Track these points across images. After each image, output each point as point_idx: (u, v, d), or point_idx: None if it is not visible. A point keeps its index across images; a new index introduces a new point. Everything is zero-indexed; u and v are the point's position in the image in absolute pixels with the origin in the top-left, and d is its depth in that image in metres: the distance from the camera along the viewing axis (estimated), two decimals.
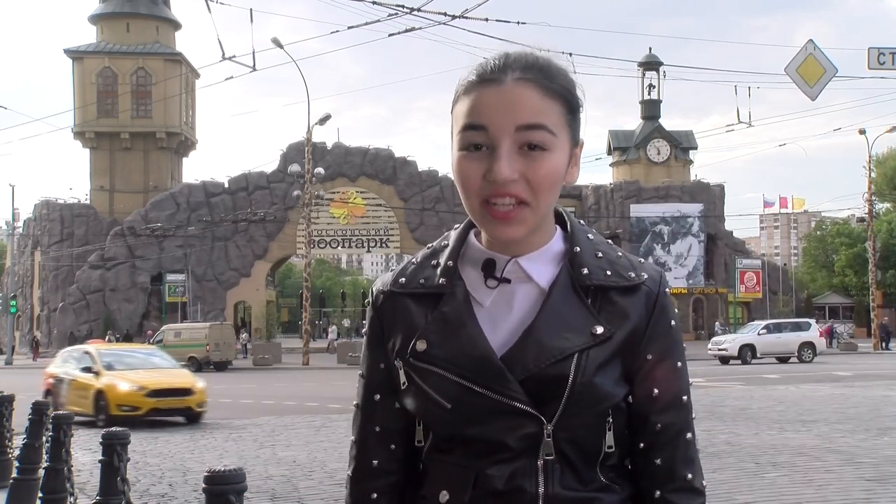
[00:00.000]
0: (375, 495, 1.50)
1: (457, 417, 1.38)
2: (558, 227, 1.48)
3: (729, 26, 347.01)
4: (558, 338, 1.36)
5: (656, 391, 1.43)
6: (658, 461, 1.44)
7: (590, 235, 1.47)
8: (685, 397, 1.46)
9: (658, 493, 1.44)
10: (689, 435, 1.45)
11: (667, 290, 1.46)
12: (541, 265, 1.43)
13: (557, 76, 1.39)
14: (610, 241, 1.51)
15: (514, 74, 1.36)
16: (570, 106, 1.40)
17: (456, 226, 1.52)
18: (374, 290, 1.52)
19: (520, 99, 1.35)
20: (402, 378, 1.44)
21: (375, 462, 1.50)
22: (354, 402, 1.55)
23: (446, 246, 1.49)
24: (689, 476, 1.44)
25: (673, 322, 1.45)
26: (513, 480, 1.37)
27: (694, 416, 1.49)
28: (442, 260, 1.47)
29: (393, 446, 1.50)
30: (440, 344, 1.39)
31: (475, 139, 1.36)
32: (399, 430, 1.49)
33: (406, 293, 1.46)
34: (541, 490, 1.37)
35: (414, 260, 1.51)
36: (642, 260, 1.49)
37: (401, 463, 1.51)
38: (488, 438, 1.38)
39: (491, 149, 1.35)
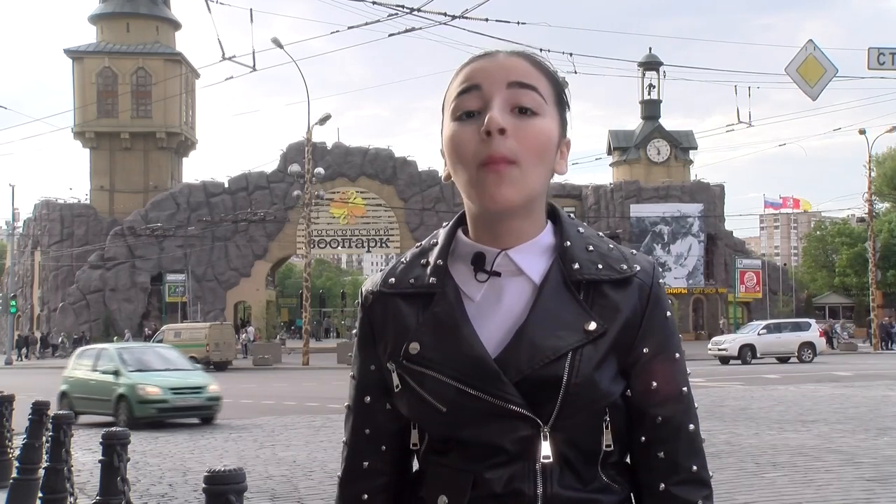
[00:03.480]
0: (366, 496, 1.49)
1: (451, 420, 1.36)
2: (549, 221, 1.46)
3: (733, 25, 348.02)
4: (551, 337, 1.34)
5: (655, 384, 1.41)
6: (661, 454, 1.41)
7: (580, 229, 1.46)
8: (685, 389, 1.43)
9: (662, 485, 1.41)
10: (691, 426, 1.43)
11: (660, 281, 1.44)
12: (531, 258, 1.41)
13: (545, 62, 1.44)
14: (601, 234, 1.49)
15: (505, 52, 1.43)
16: (558, 90, 1.43)
17: (445, 223, 1.50)
18: (363, 290, 1.50)
19: (512, 63, 1.40)
20: (396, 381, 1.42)
21: (366, 464, 1.49)
22: (346, 404, 1.54)
23: (436, 244, 1.47)
24: (695, 468, 1.42)
25: (668, 313, 1.43)
26: (511, 483, 1.36)
27: (696, 406, 1.47)
28: (432, 258, 1.45)
29: (384, 448, 1.49)
30: (433, 346, 1.37)
31: (468, 103, 1.38)
32: (390, 432, 1.48)
33: (396, 293, 1.44)
34: (539, 492, 1.36)
35: (403, 259, 1.49)
36: (634, 251, 1.47)
37: (392, 464, 1.49)
38: (484, 441, 1.36)
39: (484, 110, 1.36)
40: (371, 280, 1.51)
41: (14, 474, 8.10)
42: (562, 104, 1.43)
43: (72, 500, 6.27)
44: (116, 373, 16.16)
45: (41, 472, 7.44)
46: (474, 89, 1.37)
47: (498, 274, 1.40)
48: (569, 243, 1.42)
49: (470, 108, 1.37)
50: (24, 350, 51.73)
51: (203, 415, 16.15)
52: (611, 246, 1.45)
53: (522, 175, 1.35)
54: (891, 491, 8.44)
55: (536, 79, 1.39)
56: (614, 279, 1.40)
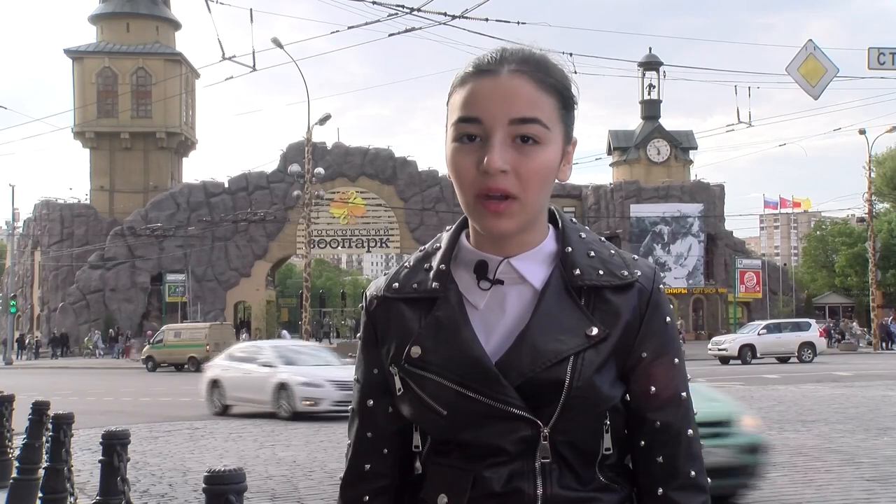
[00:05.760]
0: (367, 498, 1.50)
1: (452, 423, 1.38)
2: (551, 227, 1.47)
3: (734, 25, 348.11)
4: (553, 341, 1.35)
5: (653, 389, 1.42)
6: (660, 459, 1.43)
7: (582, 234, 1.46)
8: (684, 394, 1.45)
9: (661, 490, 1.43)
10: (690, 431, 1.44)
11: (661, 286, 1.45)
12: (533, 265, 1.42)
13: (553, 71, 1.40)
14: (602, 238, 1.49)
15: (510, 66, 1.37)
16: (565, 101, 1.40)
17: (448, 227, 1.51)
18: (367, 294, 1.52)
19: (514, 90, 1.35)
20: (398, 384, 1.43)
21: (368, 466, 1.50)
22: (350, 406, 1.55)
23: (438, 249, 1.48)
24: (693, 473, 1.43)
25: (668, 318, 1.44)
26: (511, 482, 1.37)
27: (696, 412, 1.48)
28: (434, 263, 1.46)
29: (386, 450, 1.50)
30: (435, 349, 1.38)
31: (469, 130, 1.36)
32: (392, 435, 1.49)
33: (400, 298, 1.46)
34: (539, 491, 1.37)
35: (407, 264, 1.50)
36: (636, 257, 1.48)
37: (394, 467, 1.50)
38: (485, 443, 1.37)
39: (484, 140, 1.35)
40: (375, 284, 1.52)
41: (14, 474, 8.08)
42: (568, 111, 1.41)
43: (72, 500, 6.27)
44: None
45: (41, 472, 7.43)
46: (475, 122, 1.36)
47: (501, 282, 1.41)
48: (570, 249, 1.43)
49: (471, 133, 1.37)
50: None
51: (730, 485, 7.29)
52: (612, 252, 1.46)
53: (522, 208, 1.36)
54: (891, 491, 8.45)
55: (540, 105, 1.36)
56: (615, 285, 1.41)
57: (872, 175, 51.75)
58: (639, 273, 1.43)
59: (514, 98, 1.35)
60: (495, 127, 1.34)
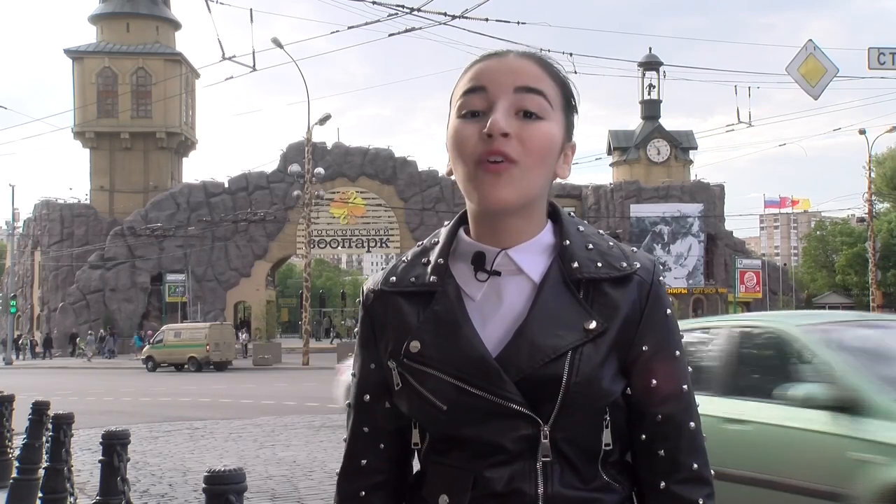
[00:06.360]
0: (364, 493, 1.50)
1: (452, 419, 1.36)
2: (549, 221, 1.46)
3: (735, 25, 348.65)
4: (551, 336, 1.34)
5: (655, 382, 1.41)
6: (661, 452, 1.41)
7: (580, 227, 1.46)
8: (685, 386, 1.43)
9: (663, 484, 1.41)
10: (692, 424, 1.43)
11: (660, 279, 1.44)
12: (531, 257, 1.41)
13: (555, 66, 1.43)
14: (601, 231, 1.49)
15: (516, 53, 1.42)
16: (566, 95, 1.42)
17: (446, 223, 1.51)
18: (364, 289, 1.51)
19: (521, 66, 1.39)
20: (396, 379, 1.42)
21: (364, 461, 1.50)
22: (347, 402, 1.55)
23: (437, 243, 1.47)
24: (696, 466, 1.42)
25: (668, 311, 1.43)
26: (512, 482, 1.36)
27: (698, 405, 1.46)
28: (433, 257, 1.45)
29: (382, 446, 1.49)
30: (434, 344, 1.37)
31: (474, 103, 1.37)
32: (389, 430, 1.48)
33: (397, 292, 1.45)
34: (540, 491, 1.36)
35: (404, 258, 1.50)
36: (635, 249, 1.47)
37: (391, 462, 1.50)
38: (484, 440, 1.36)
39: (489, 111, 1.36)
40: (373, 279, 1.51)
41: (14, 474, 8.08)
42: (569, 108, 1.43)
43: (72, 500, 6.27)
44: (850, 408, 4.80)
45: (41, 472, 7.43)
46: (480, 91, 1.37)
47: (498, 273, 1.40)
48: (568, 242, 1.42)
49: (475, 108, 1.37)
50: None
51: None
52: (611, 244, 1.45)
53: (522, 175, 1.35)
54: None
55: (544, 83, 1.38)
56: (614, 277, 1.39)
57: (872, 175, 51.79)
58: (638, 265, 1.42)
59: (520, 72, 1.38)
60: (500, 94, 1.36)
